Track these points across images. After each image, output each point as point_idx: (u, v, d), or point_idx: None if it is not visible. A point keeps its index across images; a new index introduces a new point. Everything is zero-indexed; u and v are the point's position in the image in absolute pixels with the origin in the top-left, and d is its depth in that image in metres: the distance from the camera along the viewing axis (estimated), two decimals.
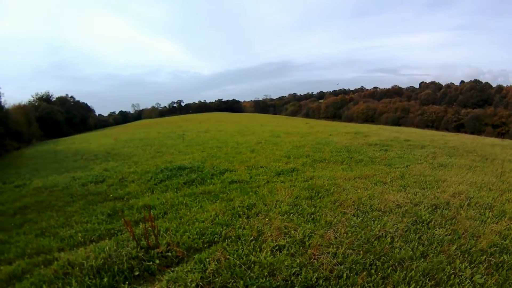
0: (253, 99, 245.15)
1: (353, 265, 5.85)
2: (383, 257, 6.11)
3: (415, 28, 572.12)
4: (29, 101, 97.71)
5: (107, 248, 7.20)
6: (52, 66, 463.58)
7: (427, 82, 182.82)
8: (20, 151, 45.18)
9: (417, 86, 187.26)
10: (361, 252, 6.30)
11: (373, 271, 5.68)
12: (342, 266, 5.84)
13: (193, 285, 5.59)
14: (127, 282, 6.03)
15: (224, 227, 7.91)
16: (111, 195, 12.52)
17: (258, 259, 6.21)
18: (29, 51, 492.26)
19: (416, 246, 6.55)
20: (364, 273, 5.62)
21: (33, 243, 8.69)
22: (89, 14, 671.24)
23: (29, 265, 7.35)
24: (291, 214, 8.39)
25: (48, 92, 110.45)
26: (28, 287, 6.26)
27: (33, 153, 37.02)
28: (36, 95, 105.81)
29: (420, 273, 5.65)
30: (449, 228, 7.44)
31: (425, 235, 7.06)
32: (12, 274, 7.03)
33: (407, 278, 5.53)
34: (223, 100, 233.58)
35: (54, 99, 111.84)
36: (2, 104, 51.37)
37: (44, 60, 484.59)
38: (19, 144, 54.06)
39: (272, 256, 6.29)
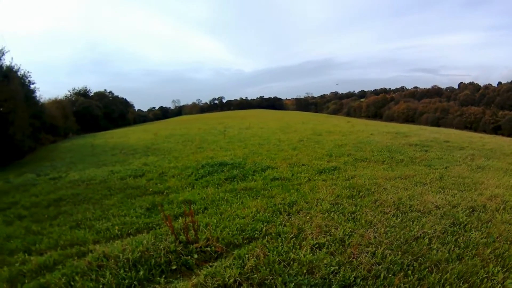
0: (294, 97, 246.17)
1: (391, 266, 5.96)
2: (420, 258, 6.24)
3: (454, 28, 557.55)
4: (66, 96, 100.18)
5: (145, 241, 7.39)
6: (90, 62, 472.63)
7: (466, 83, 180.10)
8: (55, 145, 46.52)
9: (456, 86, 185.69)
10: (400, 252, 6.42)
11: (410, 272, 5.77)
12: (380, 266, 5.94)
13: (231, 280, 5.67)
14: (163, 276, 6.17)
15: (265, 224, 8.03)
16: (150, 189, 12.82)
17: (298, 256, 6.31)
18: (66, 46, 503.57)
19: (452, 248, 6.67)
20: (401, 273, 5.71)
21: (67, 235, 8.94)
22: (128, 11, 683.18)
23: (62, 257, 7.57)
24: (332, 213, 8.54)
25: (85, 87, 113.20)
26: (59, 278, 6.39)
27: (69, 147, 38.10)
28: (73, 90, 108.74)
29: (455, 275, 5.73)
30: (485, 232, 7.49)
31: (461, 238, 7.19)
32: (43, 265, 7.24)
33: (442, 280, 5.59)
34: (264, 97, 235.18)
35: (92, 94, 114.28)
36: (37, 99, 53.08)
37: (81, 56, 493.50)
38: (54, 138, 55.64)
39: (311, 254, 6.39)
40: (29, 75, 47.67)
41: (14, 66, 40.39)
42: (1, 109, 30.42)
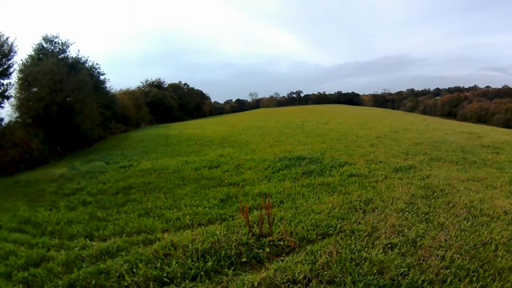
0: (371, 93, 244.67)
1: (458, 271, 6.04)
2: (486, 265, 6.28)
3: None
4: (138, 87, 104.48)
5: (217, 232, 7.63)
6: (163, 54, 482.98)
7: None
8: (127, 134, 48.51)
9: None
10: (467, 257, 6.49)
11: (474, 278, 5.83)
12: (448, 270, 5.99)
13: (301, 276, 5.78)
14: (232, 268, 6.34)
15: (340, 220, 8.17)
16: (225, 181, 13.22)
17: (370, 255, 6.40)
18: (139, 38, 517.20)
19: None
20: (467, 279, 5.72)
21: (134, 222, 9.40)
22: (204, 4, 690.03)
23: (126, 244, 7.97)
24: (406, 212, 8.65)
25: (159, 79, 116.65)
26: (121, 264, 6.71)
27: (141, 136, 39.33)
28: (146, 81, 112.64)
29: None
30: None
31: None
32: (105, 251, 7.66)
33: None
34: (342, 92, 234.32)
35: (166, 86, 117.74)
36: (108, 89, 55.50)
37: (155, 48, 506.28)
38: (126, 127, 58.18)
39: (383, 254, 6.46)
40: (98, 66, 49.85)
41: (81, 57, 42.30)
42: (69, 99, 32.04)
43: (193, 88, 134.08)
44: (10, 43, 27.00)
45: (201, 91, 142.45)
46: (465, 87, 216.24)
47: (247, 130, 34.41)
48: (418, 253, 6.47)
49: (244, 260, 6.55)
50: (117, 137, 44.77)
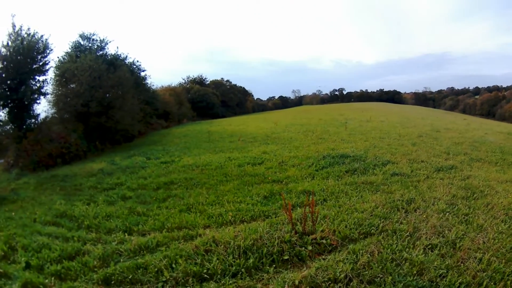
0: (413, 91, 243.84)
1: (494, 274, 5.98)
2: None
3: None
4: (180, 83, 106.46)
5: (259, 229, 7.71)
6: (205, 51, 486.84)
7: None
8: (168, 130, 49.49)
9: None
10: (503, 260, 6.41)
11: (509, 282, 5.77)
12: (484, 273, 5.95)
13: (342, 275, 5.79)
14: (273, 266, 6.38)
15: (382, 220, 8.19)
16: (269, 178, 13.27)
17: (410, 256, 6.40)
18: (181, 35, 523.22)
19: None
20: (502, 283, 5.65)
21: (175, 218, 9.52)
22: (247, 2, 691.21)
23: (166, 239, 8.10)
24: (447, 213, 8.61)
25: (201, 75, 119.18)
26: (160, 259, 6.86)
27: (183, 132, 40.17)
28: (188, 77, 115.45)
29: None
30: None
31: None
32: (144, 246, 7.81)
33: None
34: (384, 90, 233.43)
35: (208, 82, 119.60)
36: (149, 86, 56.55)
37: (197, 45, 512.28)
38: (167, 123, 59.27)
39: (423, 255, 6.43)
40: (138, 63, 51.06)
41: (120, 54, 43.08)
42: (108, 95, 33.05)
43: (235, 85, 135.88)
44: (45, 40, 27.72)
45: (243, 88, 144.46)
46: (503, 86, 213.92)
47: (290, 127, 34.44)
48: (457, 255, 6.46)
49: (286, 258, 6.60)
50: (158, 133, 45.58)
